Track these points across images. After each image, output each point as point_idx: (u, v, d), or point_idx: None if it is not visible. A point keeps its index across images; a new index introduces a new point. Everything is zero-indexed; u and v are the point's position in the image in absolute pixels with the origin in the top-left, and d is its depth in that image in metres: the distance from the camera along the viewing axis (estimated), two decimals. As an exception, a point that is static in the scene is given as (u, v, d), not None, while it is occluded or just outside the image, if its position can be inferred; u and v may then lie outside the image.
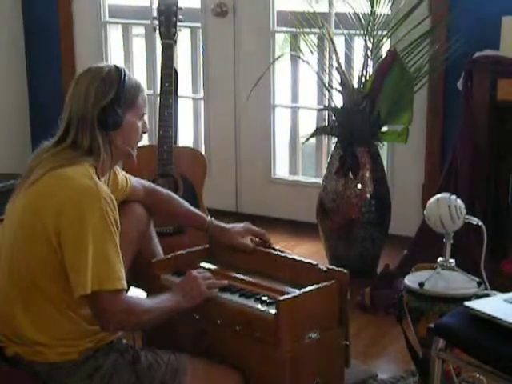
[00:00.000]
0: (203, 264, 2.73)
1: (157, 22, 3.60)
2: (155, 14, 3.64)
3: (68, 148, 2.30)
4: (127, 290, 2.26)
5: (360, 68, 3.80)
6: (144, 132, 2.44)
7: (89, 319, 2.27)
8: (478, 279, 2.60)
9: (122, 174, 2.62)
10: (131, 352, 2.35)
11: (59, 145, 2.31)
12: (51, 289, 2.24)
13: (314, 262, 2.60)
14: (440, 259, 2.66)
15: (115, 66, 2.37)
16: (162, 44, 3.58)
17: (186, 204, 2.80)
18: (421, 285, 2.56)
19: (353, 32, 4.02)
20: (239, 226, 2.77)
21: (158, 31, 3.59)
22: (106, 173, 2.40)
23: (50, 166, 2.26)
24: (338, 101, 3.89)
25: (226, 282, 2.54)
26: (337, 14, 4.23)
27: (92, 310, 2.23)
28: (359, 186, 3.78)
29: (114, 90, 2.30)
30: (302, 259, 2.65)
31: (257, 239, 2.76)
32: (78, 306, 2.25)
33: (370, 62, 3.78)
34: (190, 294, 2.42)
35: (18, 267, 2.26)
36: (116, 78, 2.32)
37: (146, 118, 2.45)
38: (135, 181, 2.70)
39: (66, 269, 2.20)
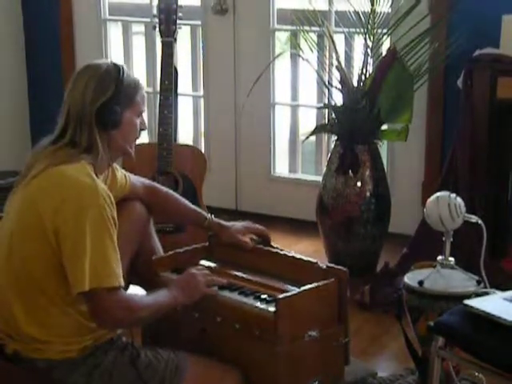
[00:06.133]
0: (203, 262, 2.73)
1: (157, 20, 3.61)
2: (155, 11, 3.65)
3: (66, 146, 2.29)
4: (126, 288, 2.26)
5: (360, 66, 3.80)
6: (142, 129, 2.44)
7: (88, 316, 2.27)
8: (477, 277, 2.60)
9: (120, 172, 2.61)
10: (131, 349, 2.35)
11: (57, 142, 2.31)
12: (49, 285, 2.24)
13: (314, 260, 2.60)
14: (439, 257, 2.66)
15: (113, 63, 2.36)
16: (161, 42, 3.58)
17: (186, 202, 2.80)
18: (420, 283, 2.56)
19: (353, 30, 4.01)
20: (239, 224, 2.77)
21: (157, 29, 3.59)
22: (104, 170, 2.39)
23: (48, 164, 2.25)
24: (338, 99, 3.89)
25: (225, 280, 2.53)
26: (337, 12, 4.24)
27: (89, 307, 2.22)
28: (359, 184, 3.78)
29: (112, 87, 2.29)
30: (302, 257, 2.65)
31: (256, 237, 2.76)
32: (76, 302, 2.25)
33: (370, 61, 3.78)
34: (188, 291, 2.41)
35: (16, 264, 2.25)
36: (114, 75, 2.31)
37: (144, 115, 2.45)
38: (134, 179, 2.70)
39: (64, 266, 2.20)
